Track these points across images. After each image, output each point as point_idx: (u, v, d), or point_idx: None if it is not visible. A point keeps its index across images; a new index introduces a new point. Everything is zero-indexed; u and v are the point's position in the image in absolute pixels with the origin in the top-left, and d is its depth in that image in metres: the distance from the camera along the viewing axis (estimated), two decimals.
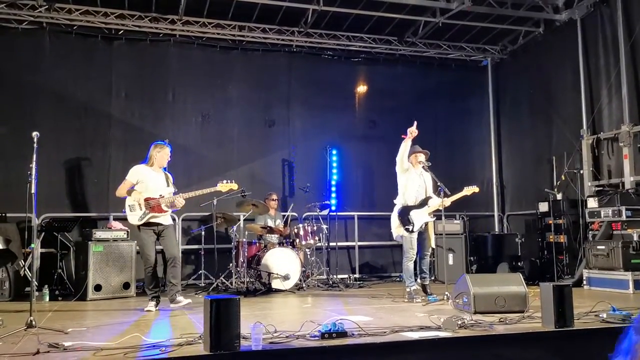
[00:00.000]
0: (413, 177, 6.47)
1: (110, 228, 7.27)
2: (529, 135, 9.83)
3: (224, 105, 9.27)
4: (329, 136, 9.52)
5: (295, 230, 7.68)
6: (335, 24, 9.26)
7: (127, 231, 7.12)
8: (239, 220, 7.77)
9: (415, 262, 6.49)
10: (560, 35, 9.11)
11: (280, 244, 7.53)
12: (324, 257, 8.56)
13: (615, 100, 8.04)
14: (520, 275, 5.39)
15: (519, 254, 8.92)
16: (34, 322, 4.29)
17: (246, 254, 7.38)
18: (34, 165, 4.50)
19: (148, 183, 5.77)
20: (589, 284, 7.24)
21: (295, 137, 9.59)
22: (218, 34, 9.08)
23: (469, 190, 6.61)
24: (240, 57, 9.42)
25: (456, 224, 8.89)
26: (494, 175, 10.57)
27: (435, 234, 6.97)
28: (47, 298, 6.68)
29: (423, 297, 6.28)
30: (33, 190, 4.46)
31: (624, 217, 7.13)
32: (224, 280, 7.48)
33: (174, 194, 5.86)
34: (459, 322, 4.21)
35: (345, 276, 8.87)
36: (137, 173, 5.82)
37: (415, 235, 6.38)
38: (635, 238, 6.85)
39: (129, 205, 5.76)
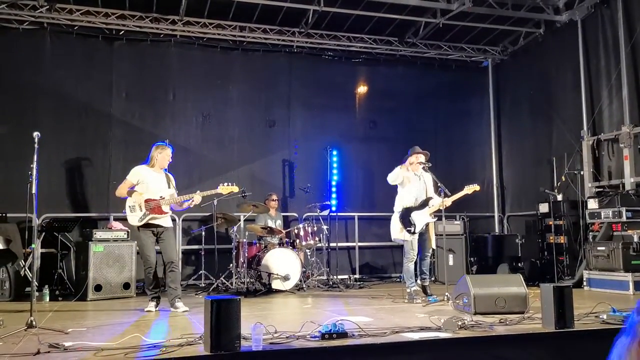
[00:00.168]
0: (410, 183, 6.46)
1: (111, 228, 7.27)
2: (529, 136, 9.83)
3: (224, 106, 9.27)
4: (330, 136, 9.52)
5: (296, 231, 7.68)
6: (335, 24, 9.26)
7: (128, 231, 7.12)
8: (240, 220, 7.77)
9: (415, 263, 6.49)
10: (561, 36, 9.11)
11: (281, 244, 7.54)
12: (324, 257, 8.55)
13: (616, 101, 8.04)
14: (521, 276, 5.38)
15: (519, 255, 8.91)
16: (34, 322, 4.29)
17: (246, 255, 7.37)
18: (34, 165, 4.50)
19: (149, 184, 5.76)
20: (589, 285, 7.25)
21: (295, 137, 9.59)
22: (219, 34, 9.08)
23: (470, 189, 6.58)
24: (240, 58, 9.42)
25: (456, 224, 8.89)
26: (494, 176, 10.57)
27: (436, 235, 6.95)
28: (48, 298, 6.68)
29: (423, 298, 6.28)
30: (34, 190, 4.46)
31: (624, 218, 7.13)
32: (224, 281, 7.48)
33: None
34: (459, 323, 4.20)
35: (346, 277, 8.87)
36: (138, 174, 5.82)
37: (416, 237, 6.37)
38: (636, 239, 6.84)
39: (129, 206, 5.76)
